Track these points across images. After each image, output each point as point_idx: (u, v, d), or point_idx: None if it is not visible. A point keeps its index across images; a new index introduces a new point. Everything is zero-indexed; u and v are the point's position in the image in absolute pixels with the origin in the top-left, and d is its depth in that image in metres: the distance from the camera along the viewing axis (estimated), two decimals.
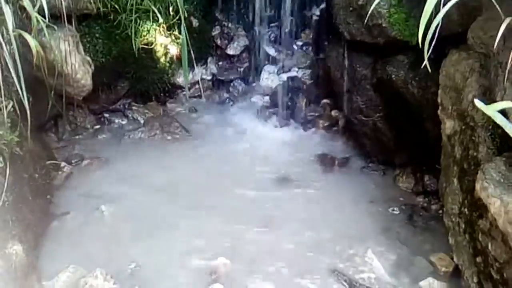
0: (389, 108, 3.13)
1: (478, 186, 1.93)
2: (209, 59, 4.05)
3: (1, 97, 2.33)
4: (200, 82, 3.85)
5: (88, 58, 3.27)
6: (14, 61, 2.30)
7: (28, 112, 2.34)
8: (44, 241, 2.63)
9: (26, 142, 2.58)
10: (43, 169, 2.82)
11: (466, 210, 2.28)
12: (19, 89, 2.33)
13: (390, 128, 3.17)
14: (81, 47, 3.22)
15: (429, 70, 1.70)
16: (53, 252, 2.59)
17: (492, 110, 1.10)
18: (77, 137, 3.53)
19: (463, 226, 2.32)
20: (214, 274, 2.50)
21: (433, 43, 1.86)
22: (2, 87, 2.32)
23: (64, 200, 2.95)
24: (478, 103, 1.14)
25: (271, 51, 4.07)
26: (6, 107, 2.37)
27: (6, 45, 2.34)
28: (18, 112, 2.50)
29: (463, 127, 2.26)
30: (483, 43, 2.21)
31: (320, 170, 3.33)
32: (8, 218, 2.28)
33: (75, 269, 2.47)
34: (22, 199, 2.46)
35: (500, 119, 1.12)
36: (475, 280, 2.24)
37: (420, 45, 1.84)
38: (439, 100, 2.49)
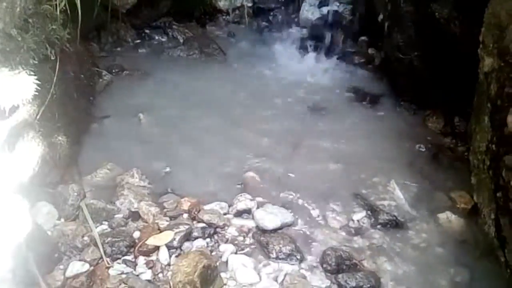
0: (427, 47, 3.12)
1: (510, 119, 1.98)
2: None
3: None
4: (245, 7, 3.87)
5: None
6: None
7: (79, 8, 2.41)
8: (84, 138, 2.77)
9: (73, 43, 2.68)
10: (88, 72, 2.93)
11: (493, 146, 2.32)
12: None
13: (426, 67, 3.17)
14: None
15: None
16: (93, 149, 2.72)
17: None
18: (118, 49, 3.63)
19: (488, 163, 2.37)
20: (243, 185, 2.61)
21: None
22: None
23: (105, 105, 3.07)
24: None
25: None
26: (59, 4, 2.44)
27: None
28: (69, 12, 2.57)
29: (502, 64, 2.26)
30: None
31: (352, 103, 3.39)
32: (55, 110, 2.40)
33: (112, 166, 2.60)
34: (67, 95, 2.57)
35: None
36: (492, 216, 2.31)
37: None
38: (481, 38, 2.49)
